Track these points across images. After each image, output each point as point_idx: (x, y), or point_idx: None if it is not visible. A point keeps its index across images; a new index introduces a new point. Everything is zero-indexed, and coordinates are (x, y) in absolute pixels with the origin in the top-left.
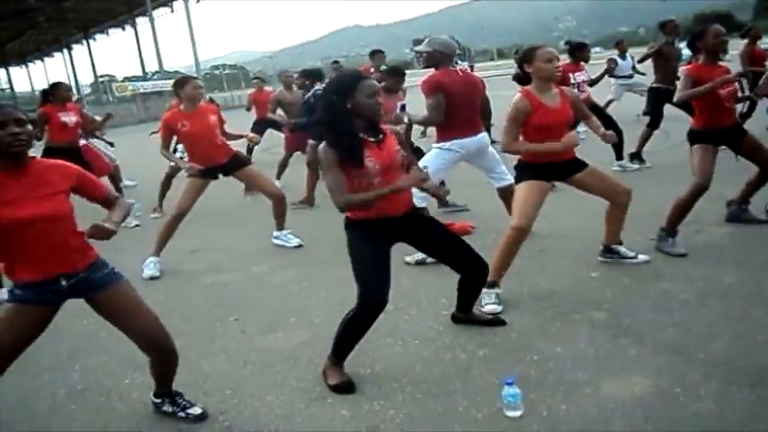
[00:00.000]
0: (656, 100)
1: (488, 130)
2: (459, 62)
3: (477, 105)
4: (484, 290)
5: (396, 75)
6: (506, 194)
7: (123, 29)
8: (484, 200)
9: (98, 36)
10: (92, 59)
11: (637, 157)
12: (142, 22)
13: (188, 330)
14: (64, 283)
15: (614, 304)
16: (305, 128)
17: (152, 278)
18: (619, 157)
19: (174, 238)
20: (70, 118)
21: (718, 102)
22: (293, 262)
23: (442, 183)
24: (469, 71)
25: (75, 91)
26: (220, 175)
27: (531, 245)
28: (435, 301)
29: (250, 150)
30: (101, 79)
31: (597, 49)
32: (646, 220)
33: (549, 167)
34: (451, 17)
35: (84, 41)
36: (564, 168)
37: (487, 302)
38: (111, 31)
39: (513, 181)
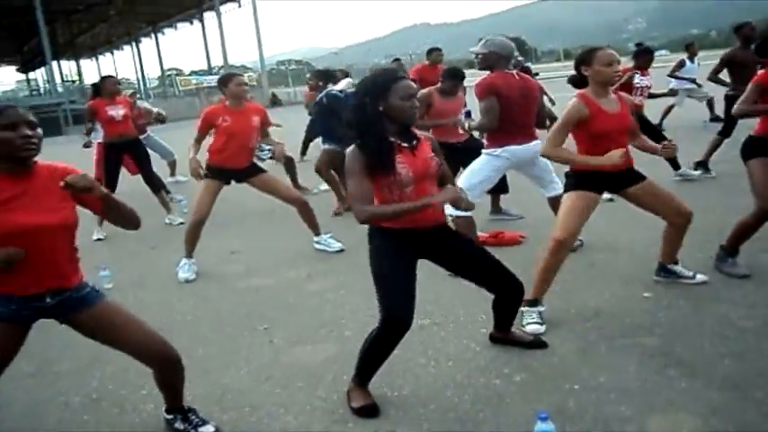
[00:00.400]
0: (729, 107)
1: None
2: (523, 62)
3: (532, 111)
4: (525, 308)
5: (454, 77)
6: (556, 204)
7: (191, 23)
8: (540, 207)
9: (166, 30)
10: (159, 53)
11: (703, 165)
12: (210, 16)
13: (213, 339)
14: (48, 300)
15: (667, 329)
16: (313, 131)
17: (187, 281)
18: (675, 167)
19: (215, 238)
20: (118, 111)
21: None
22: (332, 268)
23: (504, 186)
24: (527, 75)
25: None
26: (233, 182)
27: (581, 259)
28: (474, 316)
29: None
30: (168, 73)
31: (663, 51)
32: (707, 234)
33: (599, 177)
34: (518, 16)
35: (153, 35)
36: (617, 179)
37: (529, 322)
38: (180, 25)
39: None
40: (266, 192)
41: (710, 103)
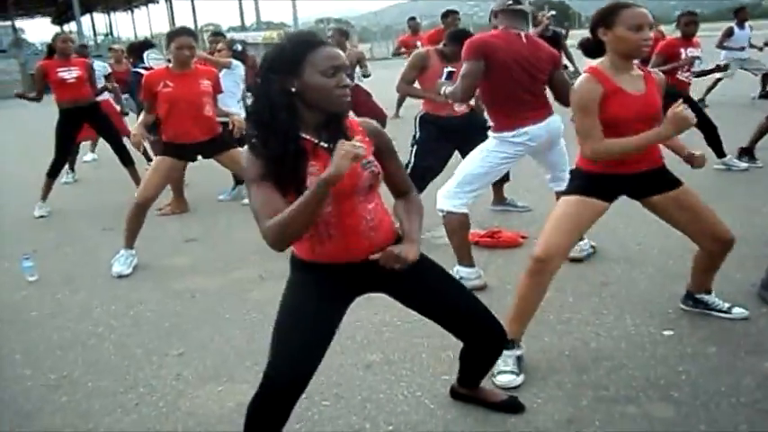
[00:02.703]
0: None
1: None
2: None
3: (539, 82)
4: None
5: (458, 40)
6: None
7: None
8: (551, 199)
9: None
10: (193, 7)
11: (747, 153)
12: None
13: (113, 365)
14: None
15: (688, 395)
16: None
17: (120, 276)
18: (720, 153)
19: (176, 221)
20: (71, 73)
21: None
22: (288, 270)
23: (506, 177)
24: (540, 40)
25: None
26: (200, 158)
27: (591, 273)
28: (439, 355)
29: None
30: (206, 29)
31: (704, 25)
32: (752, 247)
33: (616, 180)
34: None
35: None
36: (641, 182)
37: (502, 370)
38: None
39: None
40: (234, 170)
41: (766, 77)
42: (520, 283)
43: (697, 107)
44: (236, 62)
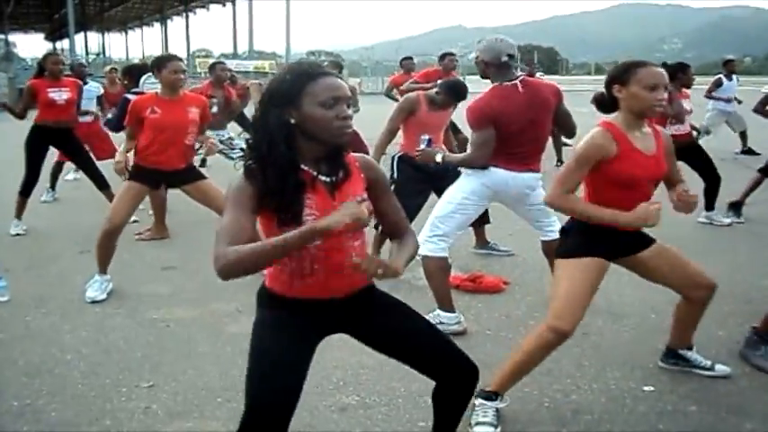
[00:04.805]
0: None
1: (559, 151)
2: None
3: (541, 131)
4: (479, 401)
5: (453, 95)
6: (551, 251)
7: (224, 5)
8: (535, 244)
9: (198, 10)
10: (187, 33)
11: (736, 207)
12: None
13: (79, 394)
14: None
15: None
16: None
17: (93, 302)
18: (710, 206)
19: (154, 248)
20: (61, 95)
21: None
22: None
23: (483, 216)
24: (536, 80)
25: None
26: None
27: None
28: (417, 401)
29: None
30: (197, 54)
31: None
32: (734, 304)
33: (611, 238)
34: (556, 26)
35: (184, 14)
36: (630, 241)
37: (480, 421)
38: (212, 6)
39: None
40: (202, 203)
41: (743, 134)
42: (528, 348)
43: (705, 155)
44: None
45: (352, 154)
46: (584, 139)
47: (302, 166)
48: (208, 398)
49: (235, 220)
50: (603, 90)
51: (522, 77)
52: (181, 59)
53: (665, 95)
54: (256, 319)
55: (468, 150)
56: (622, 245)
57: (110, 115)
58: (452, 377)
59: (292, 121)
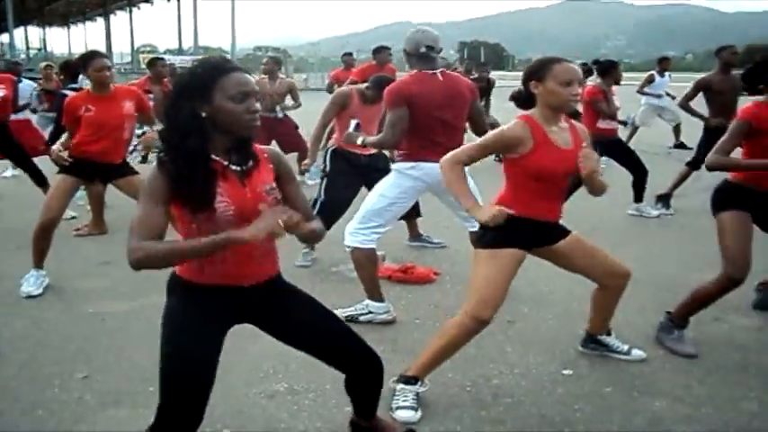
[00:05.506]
0: (707, 139)
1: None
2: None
3: (458, 121)
4: (400, 385)
5: (381, 89)
6: None
7: (168, 0)
8: (468, 236)
9: (142, 5)
10: (131, 28)
11: (665, 199)
12: None
13: (14, 387)
14: None
15: (582, 427)
16: None
17: (29, 296)
18: (638, 198)
19: (92, 242)
20: None
21: None
22: None
23: (414, 209)
24: (455, 74)
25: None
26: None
27: (499, 313)
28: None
29: None
30: (141, 50)
31: (633, 74)
32: (655, 293)
33: (524, 230)
34: (503, 22)
35: (128, 8)
36: (546, 233)
37: (401, 405)
38: (157, 1)
39: None
40: (133, 198)
41: (677, 128)
42: (448, 335)
43: (629, 150)
44: None
45: (261, 146)
46: (503, 127)
47: (213, 156)
48: (140, 387)
49: (148, 212)
50: (521, 87)
51: (442, 69)
52: (105, 56)
53: (579, 90)
54: (166, 307)
55: (383, 130)
56: (539, 236)
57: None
58: (356, 369)
59: (203, 113)
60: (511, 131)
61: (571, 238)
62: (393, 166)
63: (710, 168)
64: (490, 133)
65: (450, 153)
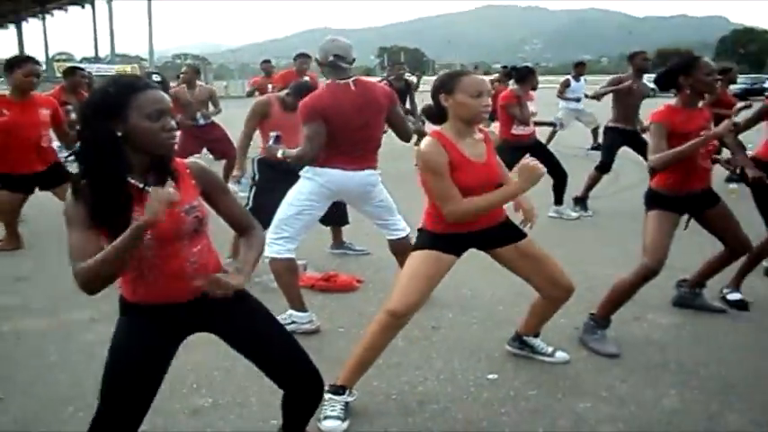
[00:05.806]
0: (612, 141)
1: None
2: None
3: (373, 129)
4: (328, 395)
5: (299, 95)
6: (398, 250)
7: (83, 7)
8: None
9: (56, 12)
10: (45, 36)
11: (581, 202)
12: (102, 2)
13: None
14: None
15: (508, 430)
16: None
17: None
18: (558, 201)
19: (7, 259)
20: None
21: (693, 159)
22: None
23: (342, 216)
24: (370, 81)
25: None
26: (37, 190)
27: (424, 319)
28: (269, 400)
29: None
30: (56, 58)
31: (550, 77)
32: (577, 296)
33: (463, 235)
34: (421, 28)
35: (41, 15)
36: (485, 237)
37: (328, 415)
38: (70, 8)
39: (406, 233)
40: None
41: (596, 131)
42: (368, 334)
43: (548, 153)
44: None
45: (185, 160)
46: (421, 151)
47: (129, 179)
48: (58, 409)
49: (78, 237)
50: (431, 101)
51: (355, 78)
52: (38, 62)
53: (489, 101)
54: (117, 322)
55: (302, 144)
56: (477, 242)
57: None
58: (297, 387)
59: (119, 133)
60: (432, 154)
61: (522, 243)
62: (300, 172)
63: (657, 169)
64: (426, 164)
65: (449, 209)
